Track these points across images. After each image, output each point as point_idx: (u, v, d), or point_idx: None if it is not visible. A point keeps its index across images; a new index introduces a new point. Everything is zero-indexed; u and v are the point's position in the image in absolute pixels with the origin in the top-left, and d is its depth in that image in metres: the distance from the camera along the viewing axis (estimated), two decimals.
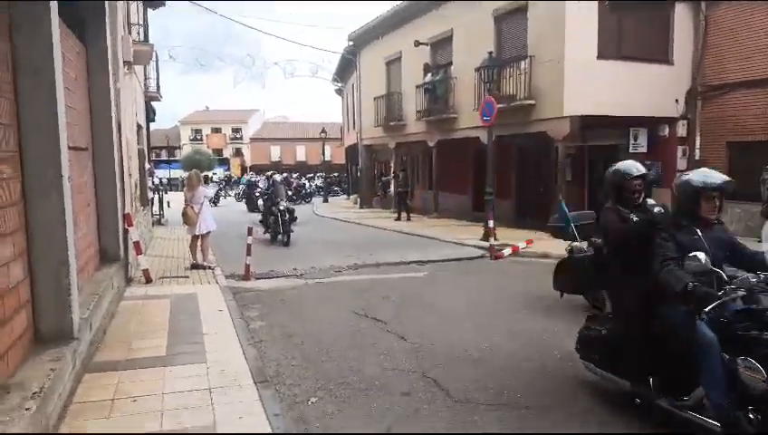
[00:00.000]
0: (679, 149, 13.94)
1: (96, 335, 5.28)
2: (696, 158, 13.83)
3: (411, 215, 18.95)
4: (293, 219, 13.75)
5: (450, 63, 17.60)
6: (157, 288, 7.97)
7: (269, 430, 3.58)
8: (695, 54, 13.80)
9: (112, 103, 7.23)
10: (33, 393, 3.22)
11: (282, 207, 13.24)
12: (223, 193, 33.52)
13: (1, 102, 3.54)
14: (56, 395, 3.61)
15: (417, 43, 18.39)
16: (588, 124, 13.22)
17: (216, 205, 27.69)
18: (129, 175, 9.20)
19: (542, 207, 16.19)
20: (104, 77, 7.02)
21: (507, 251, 11.33)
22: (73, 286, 4.25)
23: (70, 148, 4.64)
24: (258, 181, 27.04)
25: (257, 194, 22.93)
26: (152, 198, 17.67)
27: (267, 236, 13.97)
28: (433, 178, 19.71)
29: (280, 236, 13.28)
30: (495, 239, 11.55)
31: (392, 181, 21.82)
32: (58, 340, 4.08)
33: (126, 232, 7.89)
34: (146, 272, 8.35)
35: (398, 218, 18.60)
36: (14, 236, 3.67)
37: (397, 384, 4.61)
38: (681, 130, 13.90)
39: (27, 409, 3.02)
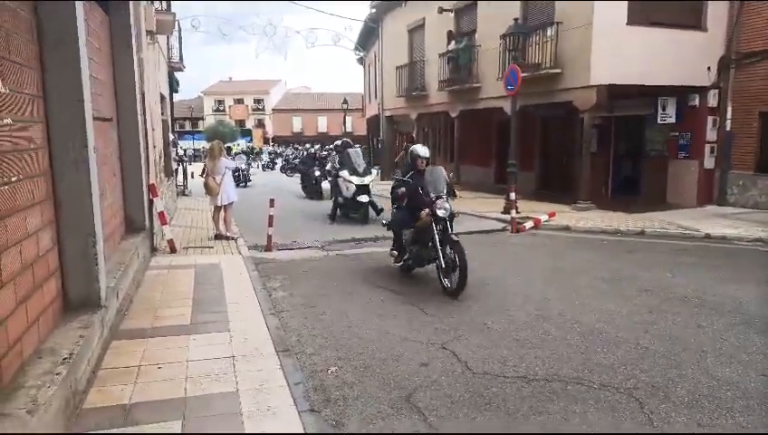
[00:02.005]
0: (709, 120, 13.53)
1: (123, 303, 5.42)
2: (727, 128, 13.43)
3: None
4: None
5: (474, 31, 17.23)
6: (181, 258, 8.12)
7: (291, 402, 3.66)
8: (730, 20, 13.26)
9: (136, 74, 7.26)
10: (64, 359, 3.33)
11: (441, 211, 6.52)
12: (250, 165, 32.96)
13: (27, 73, 3.58)
14: (85, 361, 3.73)
15: (441, 10, 18.02)
16: (615, 93, 12.89)
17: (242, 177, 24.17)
18: (154, 146, 9.30)
19: (566, 179, 16.00)
20: (127, 47, 7.03)
21: (529, 224, 11.24)
22: (100, 255, 4.35)
23: (95, 118, 4.69)
24: (316, 152, 22.21)
25: (318, 174, 17.56)
26: (176, 169, 17.89)
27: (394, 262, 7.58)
28: (454, 150, 19.52)
29: (433, 267, 6.90)
30: (517, 212, 11.44)
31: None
32: (86, 307, 4.19)
33: (151, 202, 8.01)
34: (170, 242, 8.50)
35: None
36: (42, 205, 3.75)
37: (415, 355, 4.65)
38: (712, 99, 13.45)
39: (58, 374, 3.13)
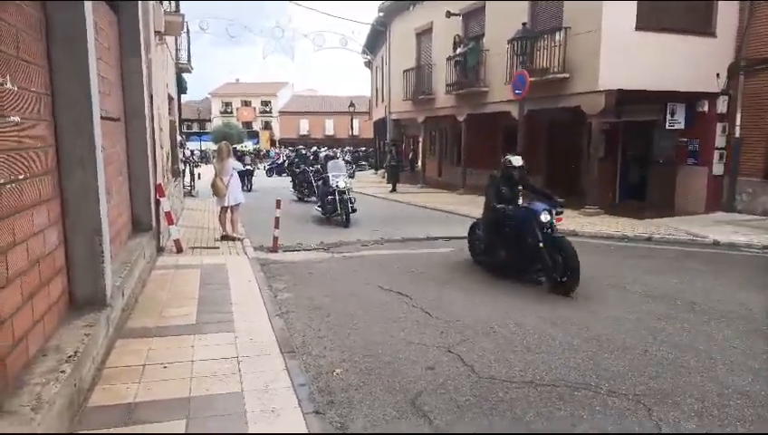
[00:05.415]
0: (719, 126, 13.43)
1: (128, 302, 5.42)
2: (737, 135, 13.32)
3: (434, 190, 19.57)
4: None
5: (482, 35, 17.22)
6: (187, 258, 8.12)
7: (295, 404, 3.63)
8: (740, 26, 13.18)
9: (144, 74, 7.28)
10: (68, 357, 3.32)
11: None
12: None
13: (36, 71, 3.59)
14: (90, 359, 3.72)
15: (449, 14, 18.03)
16: (623, 99, 12.83)
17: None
18: (161, 146, 9.31)
19: (573, 183, 15.93)
20: (136, 47, 7.05)
21: None
22: (106, 254, 4.35)
23: (103, 118, 4.70)
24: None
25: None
26: (183, 170, 17.92)
27: None
28: (461, 154, 19.49)
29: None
30: None
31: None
32: (92, 306, 4.19)
33: (158, 202, 8.02)
34: (177, 242, 8.50)
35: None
36: (49, 203, 3.75)
37: (421, 358, 4.62)
38: (721, 106, 13.36)
39: (62, 371, 3.12)
